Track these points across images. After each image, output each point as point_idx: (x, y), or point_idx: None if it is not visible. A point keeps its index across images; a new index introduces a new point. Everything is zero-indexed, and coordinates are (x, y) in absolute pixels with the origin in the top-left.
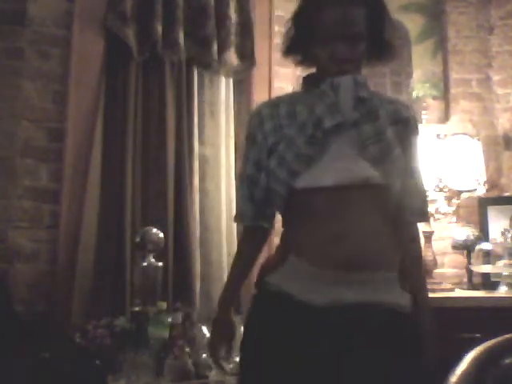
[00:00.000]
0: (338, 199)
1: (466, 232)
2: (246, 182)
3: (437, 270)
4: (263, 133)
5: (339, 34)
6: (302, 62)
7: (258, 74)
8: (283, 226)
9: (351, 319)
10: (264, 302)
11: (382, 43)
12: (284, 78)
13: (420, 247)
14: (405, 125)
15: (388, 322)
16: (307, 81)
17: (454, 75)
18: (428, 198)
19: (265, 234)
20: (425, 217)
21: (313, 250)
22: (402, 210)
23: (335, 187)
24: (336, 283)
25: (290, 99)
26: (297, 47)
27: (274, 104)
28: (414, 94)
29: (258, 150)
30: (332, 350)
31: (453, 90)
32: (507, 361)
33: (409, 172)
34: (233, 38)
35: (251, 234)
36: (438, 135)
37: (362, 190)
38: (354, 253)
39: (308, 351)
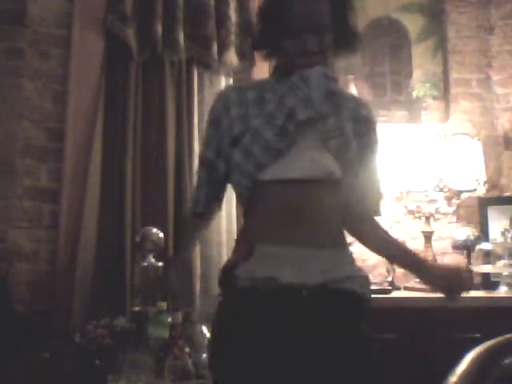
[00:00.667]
0: (300, 192)
1: (466, 232)
2: (206, 165)
3: None
4: (229, 119)
5: (307, 27)
6: (271, 55)
7: (258, 73)
8: (245, 217)
9: (320, 297)
10: (237, 297)
11: (347, 33)
12: None
13: (386, 231)
14: (364, 123)
15: (350, 303)
16: (278, 70)
17: (454, 75)
18: (382, 196)
19: (209, 222)
20: (378, 213)
21: (277, 233)
22: (361, 204)
23: (300, 180)
24: (302, 259)
25: (259, 86)
26: (265, 41)
27: (242, 89)
28: (414, 94)
29: (221, 136)
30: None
31: (453, 90)
32: (507, 361)
33: (367, 169)
34: (233, 38)
35: (198, 221)
36: (438, 135)
37: (324, 184)
38: (315, 233)
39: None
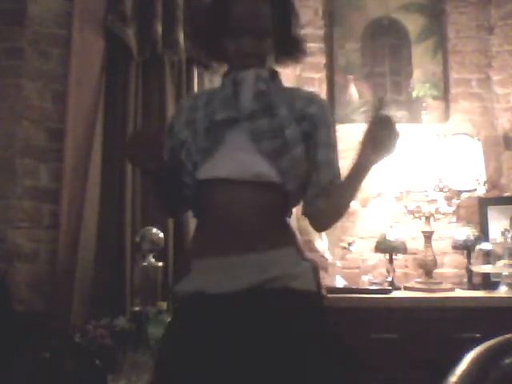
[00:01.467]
0: (230, 193)
1: (466, 232)
2: None
3: (437, 270)
4: (179, 124)
5: (246, 28)
6: (211, 55)
7: None
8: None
9: (257, 302)
10: (175, 311)
11: (289, 41)
12: (284, 77)
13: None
14: (311, 122)
15: (290, 301)
16: (224, 74)
17: (454, 75)
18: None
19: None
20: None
21: (209, 244)
22: (312, 205)
23: (228, 180)
24: (234, 267)
25: (212, 90)
26: (206, 40)
27: (197, 95)
28: (414, 94)
29: (173, 141)
30: (248, 336)
31: (453, 90)
32: (507, 361)
33: (322, 167)
34: None
35: None
36: (438, 135)
37: (255, 185)
38: (246, 237)
39: (224, 341)
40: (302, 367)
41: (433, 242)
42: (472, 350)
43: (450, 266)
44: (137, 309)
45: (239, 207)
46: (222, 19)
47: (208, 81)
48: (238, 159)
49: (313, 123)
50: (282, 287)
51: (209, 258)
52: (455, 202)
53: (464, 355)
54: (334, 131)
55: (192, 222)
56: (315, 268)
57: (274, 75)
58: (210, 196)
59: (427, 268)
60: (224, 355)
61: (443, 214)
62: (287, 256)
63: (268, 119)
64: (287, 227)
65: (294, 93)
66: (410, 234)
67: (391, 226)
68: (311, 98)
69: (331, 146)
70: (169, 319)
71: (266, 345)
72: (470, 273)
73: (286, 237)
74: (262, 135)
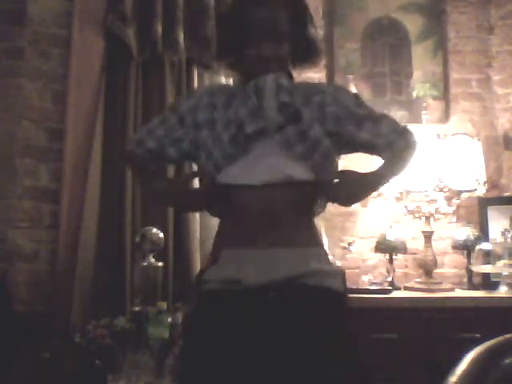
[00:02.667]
0: (263, 196)
1: (466, 232)
2: (153, 154)
3: (437, 270)
4: (195, 121)
5: (264, 34)
6: (234, 64)
7: None
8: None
9: (286, 295)
10: (202, 298)
11: (306, 45)
12: None
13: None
14: (335, 121)
15: (322, 298)
16: (243, 76)
17: (454, 75)
18: (407, 130)
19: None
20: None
21: (241, 234)
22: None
23: (260, 186)
24: (266, 259)
25: (230, 90)
26: (227, 50)
27: (214, 92)
28: (414, 94)
29: (185, 131)
30: (273, 328)
31: (453, 90)
32: (507, 361)
33: (368, 143)
34: None
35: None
36: (438, 135)
37: (286, 188)
38: (279, 234)
39: (250, 333)
40: (327, 367)
41: (433, 242)
42: (472, 349)
43: (450, 265)
44: (137, 309)
45: (272, 205)
46: (240, 26)
47: (208, 81)
48: (268, 164)
49: (337, 121)
50: (309, 283)
51: (242, 249)
52: (455, 202)
53: (464, 355)
54: (360, 104)
55: (193, 223)
56: (343, 272)
57: (291, 78)
58: (237, 198)
59: (427, 268)
60: (256, 347)
61: (443, 213)
62: (322, 255)
63: (294, 126)
64: (315, 228)
65: (308, 87)
66: (410, 233)
67: (391, 226)
68: (328, 94)
69: (366, 120)
70: (192, 308)
71: (291, 339)
72: (470, 273)
73: (316, 237)
74: (292, 141)
